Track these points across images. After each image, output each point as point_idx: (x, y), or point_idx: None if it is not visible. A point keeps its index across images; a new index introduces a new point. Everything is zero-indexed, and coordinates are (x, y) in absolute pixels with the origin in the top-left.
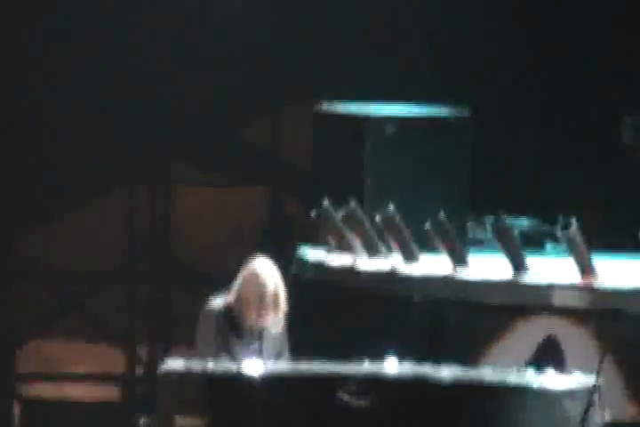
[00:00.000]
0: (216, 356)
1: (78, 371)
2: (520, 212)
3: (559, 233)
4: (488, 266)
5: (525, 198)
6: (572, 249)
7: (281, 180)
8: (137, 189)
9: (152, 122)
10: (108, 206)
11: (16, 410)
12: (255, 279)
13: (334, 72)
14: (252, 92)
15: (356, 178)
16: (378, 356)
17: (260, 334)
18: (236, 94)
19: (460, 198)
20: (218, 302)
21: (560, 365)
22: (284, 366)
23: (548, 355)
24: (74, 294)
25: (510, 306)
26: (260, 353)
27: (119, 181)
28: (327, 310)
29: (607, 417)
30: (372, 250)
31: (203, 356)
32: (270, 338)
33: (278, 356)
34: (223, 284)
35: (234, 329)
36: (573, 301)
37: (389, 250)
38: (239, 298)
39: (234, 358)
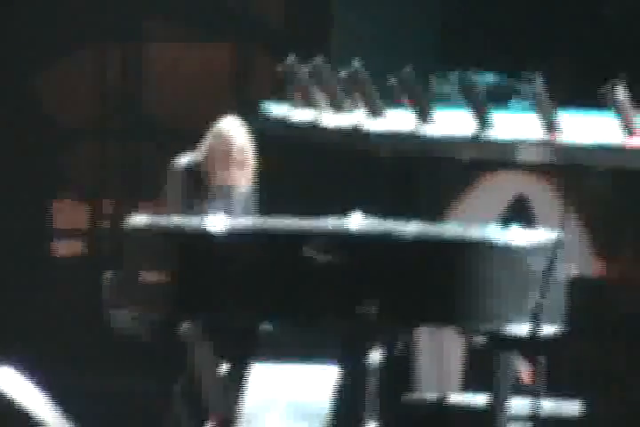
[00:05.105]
0: (183, 213)
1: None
2: (487, 67)
3: (524, 88)
4: (454, 122)
5: (493, 54)
6: (538, 105)
7: (250, 36)
8: (108, 46)
9: None
10: (79, 64)
11: None
12: (223, 136)
13: None
14: None
15: (322, 33)
16: (344, 212)
17: (227, 192)
18: None
19: (427, 53)
20: (186, 159)
21: (527, 220)
22: (249, 221)
23: (516, 211)
24: (45, 152)
25: (476, 162)
26: (227, 211)
27: (90, 38)
28: (293, 167)
29: (572, 272)
30: (337, 105)
31: (170, 213)
32: (238, 196)
33: (246, 214)
34: (192, 141)
35: (201, 186)
36: (539, 156)
37: (354, 105)
38: (207, 155)
39: (200, 215)
